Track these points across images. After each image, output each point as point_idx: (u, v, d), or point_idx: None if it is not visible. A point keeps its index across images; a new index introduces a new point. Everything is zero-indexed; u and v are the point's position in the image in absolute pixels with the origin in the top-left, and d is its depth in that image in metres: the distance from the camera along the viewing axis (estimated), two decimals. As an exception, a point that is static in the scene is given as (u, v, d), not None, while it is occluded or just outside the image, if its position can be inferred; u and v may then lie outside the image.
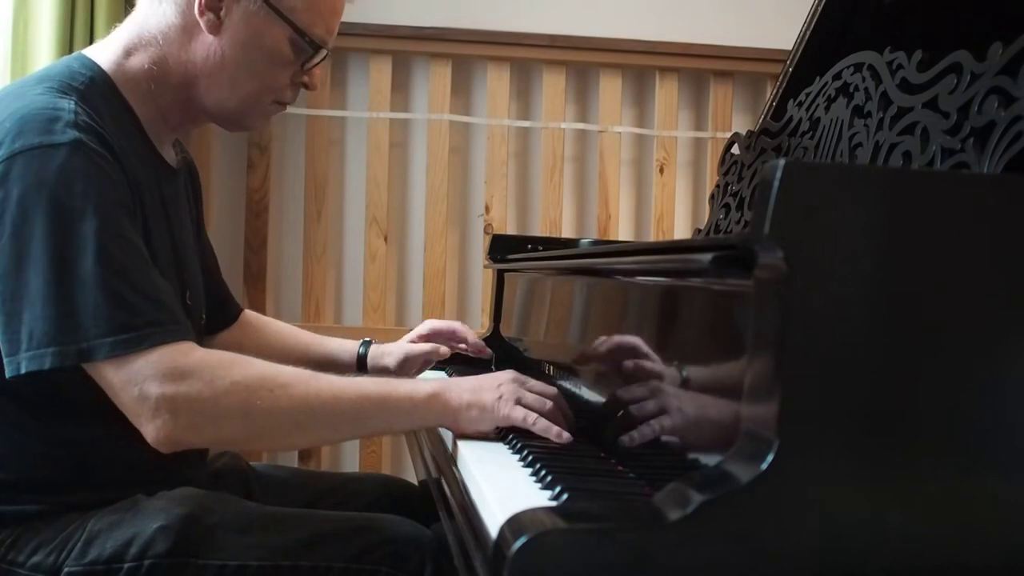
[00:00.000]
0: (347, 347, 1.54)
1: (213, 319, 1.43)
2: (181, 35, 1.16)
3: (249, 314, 1.59)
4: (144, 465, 1.15)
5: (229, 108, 1.21)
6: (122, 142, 1.09)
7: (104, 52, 1.17)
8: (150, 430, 1.00)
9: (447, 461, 1.08)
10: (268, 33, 1.17)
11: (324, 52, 1.22)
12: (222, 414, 1.02)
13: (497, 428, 1.09)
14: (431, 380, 1.12)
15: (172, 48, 1.16)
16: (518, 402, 1.06)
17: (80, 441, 1.11)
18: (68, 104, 1.05)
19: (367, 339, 1.54)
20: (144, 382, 0.99)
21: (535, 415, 1.05)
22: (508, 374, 1.10)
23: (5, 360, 1.01)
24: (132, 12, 1.20)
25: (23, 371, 0.99)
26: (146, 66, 1.16)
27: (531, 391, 1.08)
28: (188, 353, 1.02)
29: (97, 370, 1.01)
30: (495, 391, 1.07)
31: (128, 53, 1.16)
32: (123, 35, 1.18)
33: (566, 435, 1.03)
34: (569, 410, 1.10)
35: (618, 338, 1.09)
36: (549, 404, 1.07)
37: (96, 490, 1.11)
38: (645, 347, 0.99)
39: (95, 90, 1.11)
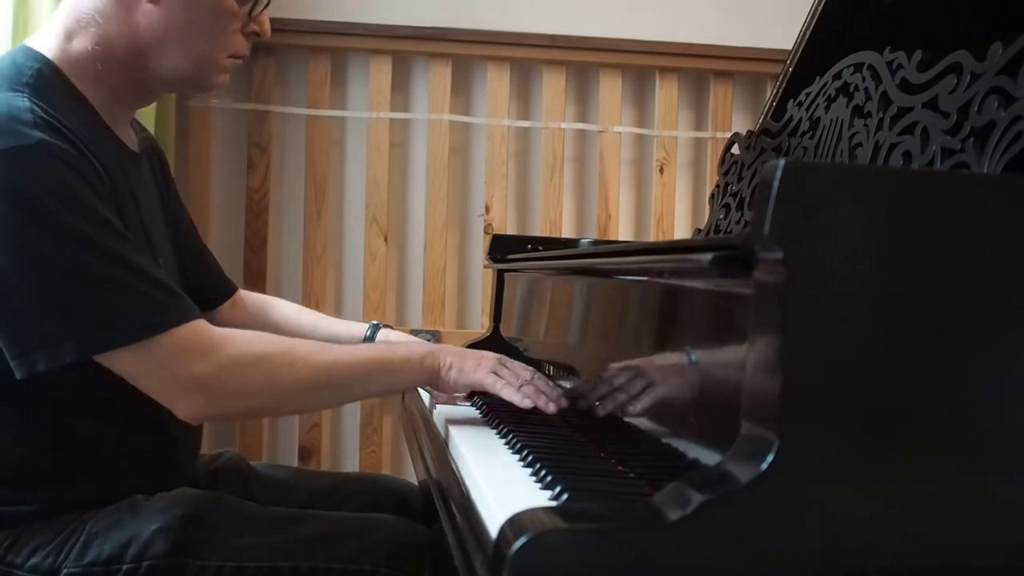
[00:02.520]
0: (353, 331, 1.54)
1: (205, 295, 1.42)
2: (118, 9, 1.12)
3: (249, 294, 1.58)
4: (140, 455, 1.15)
5: (184, 73, 1.17)
6: (82, 133, 1.07)
7: (46, 40, 1.13)
8: (181, 407, 1.05)
9: (447, 462, 1.08)
10: None
11: None
12: (251, 389, 1.08)
13: (470, 393, 1.26)
14: (423, 343, 1.27)
15: (112, 25, 1.13)
16: (493, 372, 1.16)
17: (75, 435, 1.11)
18: (23, 103, 1.03)
19: (375, 322, 1.54)
20: (172, 365, 1.03)
21: (503, 381, 1.15)
22: (493, 353, 1.21)
23: (13, 363, 1.00)
24: None
25: (41, 369, 0.99)
26: (89, 47, 1.13)
27: (510, 368, 1.18)
28: (207, 332, 1.06)
29: (115, 359, 1.02)
30: (476, 359, 1.18)
31: (69, 37, 1.13)
32: (61, 19, 1.14)
33: (528, 401, 1.12)
34: (553, 385, 1.18)
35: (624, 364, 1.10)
36: (525, 376, 1.15)
37: (93, 484, 1.11)
38: (646, 361, 0.98)
39: (44, 82, 1.08)
